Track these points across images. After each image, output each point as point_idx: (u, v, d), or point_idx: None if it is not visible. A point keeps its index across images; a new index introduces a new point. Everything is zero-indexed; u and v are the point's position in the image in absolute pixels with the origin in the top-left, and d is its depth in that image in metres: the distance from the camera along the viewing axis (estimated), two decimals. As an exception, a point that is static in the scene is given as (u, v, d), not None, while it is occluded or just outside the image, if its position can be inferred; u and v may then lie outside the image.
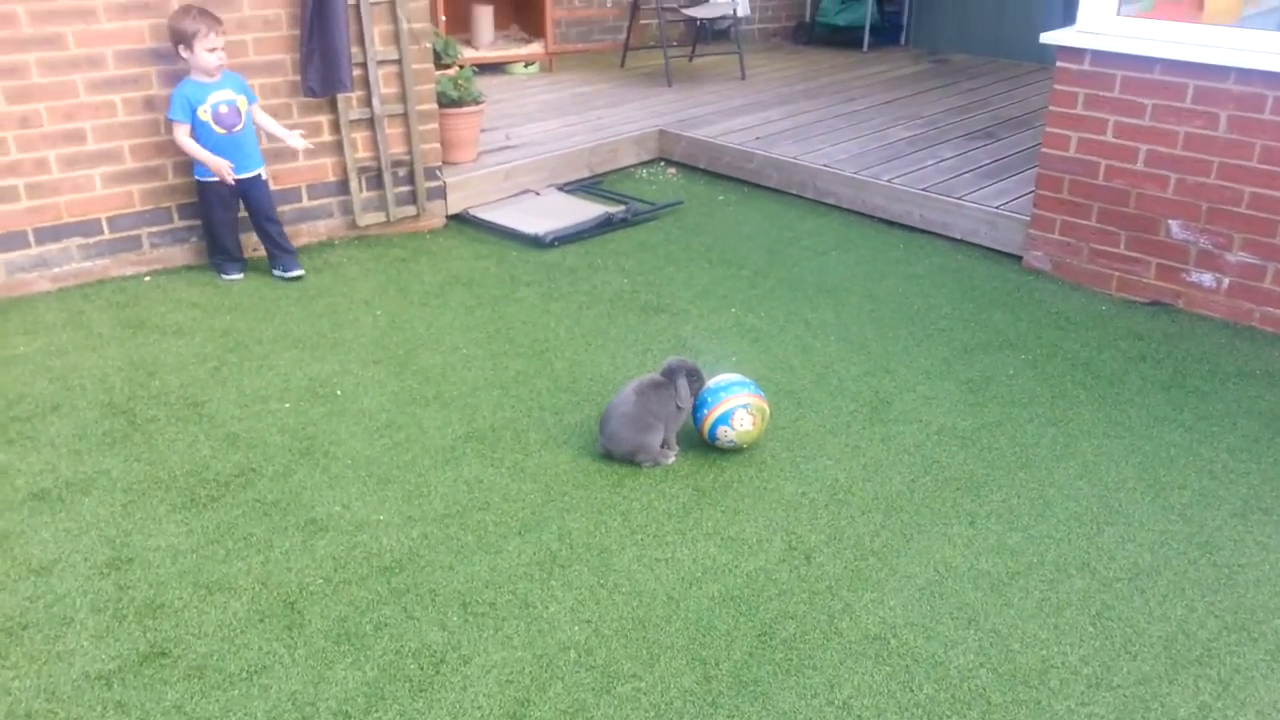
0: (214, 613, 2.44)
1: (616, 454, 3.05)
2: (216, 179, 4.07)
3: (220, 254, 4.29)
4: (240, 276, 4.29)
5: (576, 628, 2.42)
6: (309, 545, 2.67)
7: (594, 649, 2.35)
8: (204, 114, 3.99)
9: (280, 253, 4.32)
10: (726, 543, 2.73)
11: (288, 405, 3.34)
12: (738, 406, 3.04)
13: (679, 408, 3.07)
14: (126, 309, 4.00)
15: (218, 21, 3.95)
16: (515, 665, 2.31)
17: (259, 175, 4.23)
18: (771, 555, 2.69)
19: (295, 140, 4.27)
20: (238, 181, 4.11)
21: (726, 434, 3.06)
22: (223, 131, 4.04)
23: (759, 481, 3.00)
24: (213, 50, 3.90)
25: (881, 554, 2.71)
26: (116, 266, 4.28)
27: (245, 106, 4.10)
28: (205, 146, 4.03)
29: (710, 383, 3.12)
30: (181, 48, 3.91)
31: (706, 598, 2.53)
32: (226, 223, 4.22)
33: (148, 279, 4.28)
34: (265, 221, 4.27)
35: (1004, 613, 2.51)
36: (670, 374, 3.09)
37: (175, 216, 4.35)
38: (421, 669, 2.29)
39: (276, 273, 4.33)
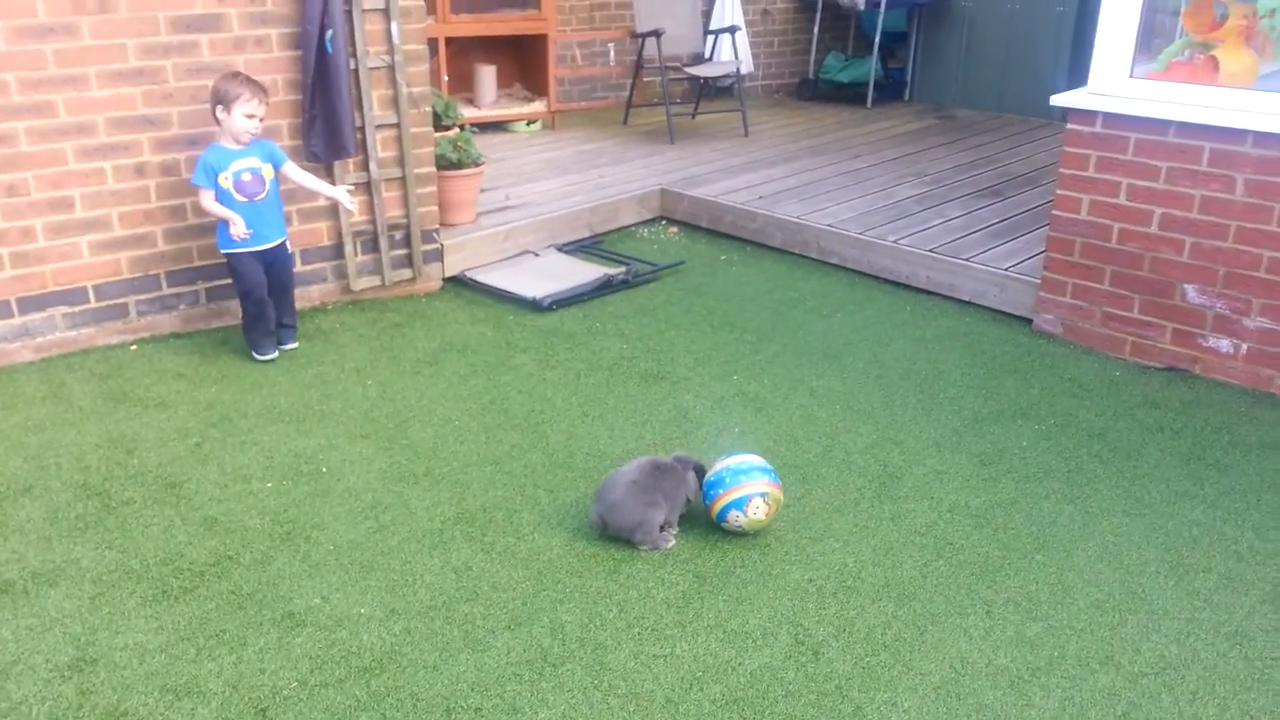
0: (180, 720, 2.29)
1: (613, 526, 2.89)
2: (244, 249, 3.93)
3: (256, 330, 4.07)
4: (275, 355, 4.09)
5: (567, 736, 2.26)
6: (285, 643, 2.52)
7: (585, 761, 2.19)
8: (225, 181, 3.86)
9: (282, 327, 4.18)
10: (729, 636, 2.58)
11: (270, 485, 3.21)
12: (755, 494, 2.90)
13: (688, 499, 2.96)
14: (109, 380, 3.89)
15: (263, 90, 3.87)
16: (500, 779, 2.15)
17: (283, 244, 4.11)
18: (777, 651, 2.53)
19: (342, 196, 4.17)
20: (262, 251, 4.00)
21: (737, 519, 2.92)
22: (243, 199, 3.91)
23: (763, 566, 2.85)
24: (250, 117, 3.82)
25: (894, 648, 2.55)
26: (102, 335, 4.18)
27: (270, 175, 3.97)
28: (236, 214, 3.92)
29: (731, 463, 2.97)
30: (219, 109, 3.82)
31: (708, 700, 2.37)
32: (261, 294, 4.02)
33: (134, 347, 4.17)
34: (280, 292, 4.13)
35: (1025, 714, 2.34)
36: (683, 464, 2.99)
37: (164, 283, 4.26)
38: (400, 784, 2.13)
39: (284, 346, 4.20)
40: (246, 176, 3.90)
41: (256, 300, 4.01)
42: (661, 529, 2.92)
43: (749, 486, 2.90)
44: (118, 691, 2.37)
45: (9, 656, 2.47)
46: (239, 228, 3.86)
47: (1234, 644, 2.57)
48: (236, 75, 3.87)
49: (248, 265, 3.99)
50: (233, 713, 2.30)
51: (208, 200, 3.90)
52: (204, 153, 3.89)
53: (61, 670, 2.43)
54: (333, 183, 4.45)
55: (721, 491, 2.92)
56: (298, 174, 4.10)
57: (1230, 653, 2.54)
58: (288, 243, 4.15)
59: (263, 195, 3.96)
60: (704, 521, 3.03)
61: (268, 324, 4.07)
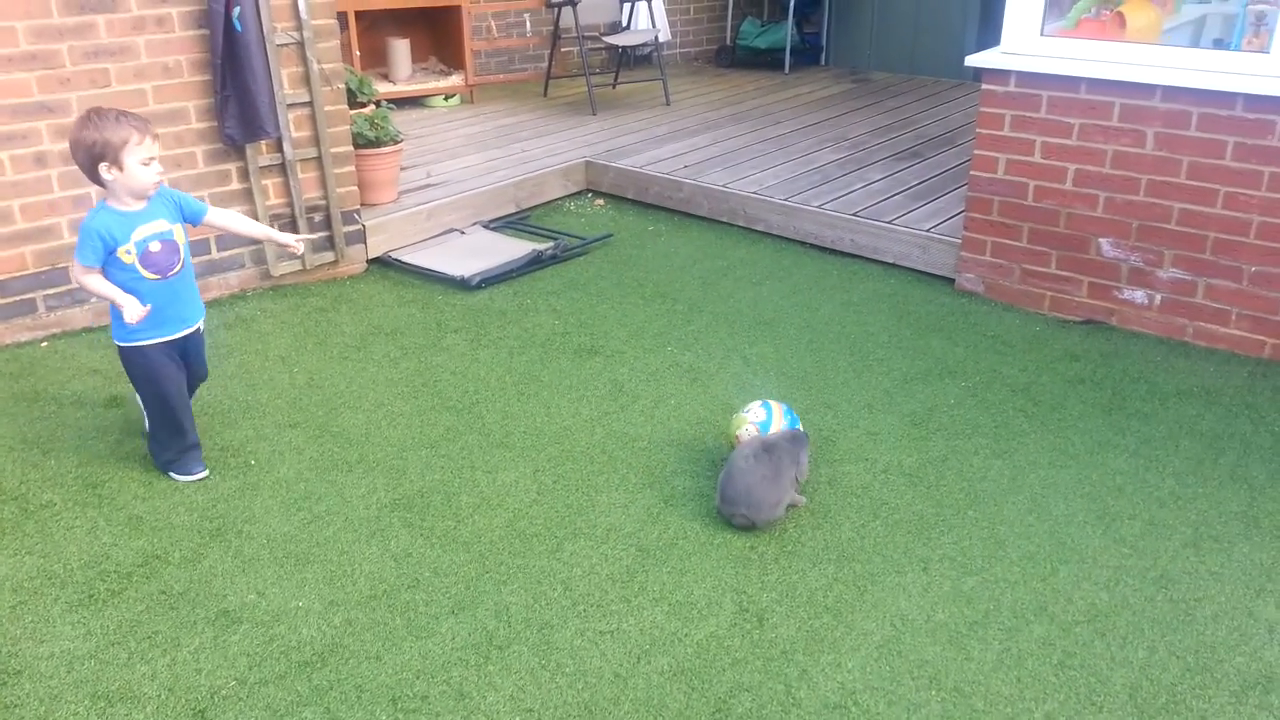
0: (115, 728, 2.22)
1: (762, 521, 2.86)
2: (152, 339, 2.96)
3: (176, 444, 3.10)
4: (207, 473, 3.13)
5: (518, 718, 2.24)
6: (221, 641, 2.46)
7: (536, 741, 2.19)
8: (127, 256, 2.84)
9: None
10: (675, 608, 2.59)
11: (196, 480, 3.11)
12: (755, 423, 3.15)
13: (797, 479, 2.97)
14: (20, 379, 3.73)
15: (147, 121, 2.82)
16: (451, 766, 2.13)
17: (199, 328, 3.13)
18: (723, 620, 2.55)
19: (290, 240, 3.27)
20: (178, 340, 3.03)
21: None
22: (154, 277, 2.90)
23: (705, 536, 2.87)
24: (148, 162, 2.80)
25: (836, 610, 2.59)
26: (10, 333, 4.00)
27: (183, 238, 2.99)
28: (141, 298, 2.87)
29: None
30: (104, 167, 2.76)
31: (656, 673, 2.37)
32: (179, 396, 3.07)
33: (45, 344, 4.00)
34: (196, 384, 3.28)
35: (965, 668, 2.40)
36: (796, 443, 3.00)
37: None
38: (349, 777, 2.10)
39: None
40: (155, 246, 2.89)
41: (175, 405, 3.04)
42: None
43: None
44: (44, 702, 2.28)
45: (-73, 674, 2.37)
46: (132, 310, 2.83)
47: (1160, 588, 2.66)
48: (105, 114, 2.78)
49: (159, 360, 2.99)
50: (169, 716, 2.24)
51: (95, 282, 2.84)
52: (88, 218, 2.82)
53: (-15, 685, 2.34)
54: (246, 168, 4.32)
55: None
56: (225, 219, 3.21)
57: (1156, 597, 2.63)
58: (202, 323, 3.15)
59: (178, 268, 2.96)
60: (645, 496, 3.04)
61: (189, 433, 3.11)
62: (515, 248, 4.97)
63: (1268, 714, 2.26)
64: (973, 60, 4.21)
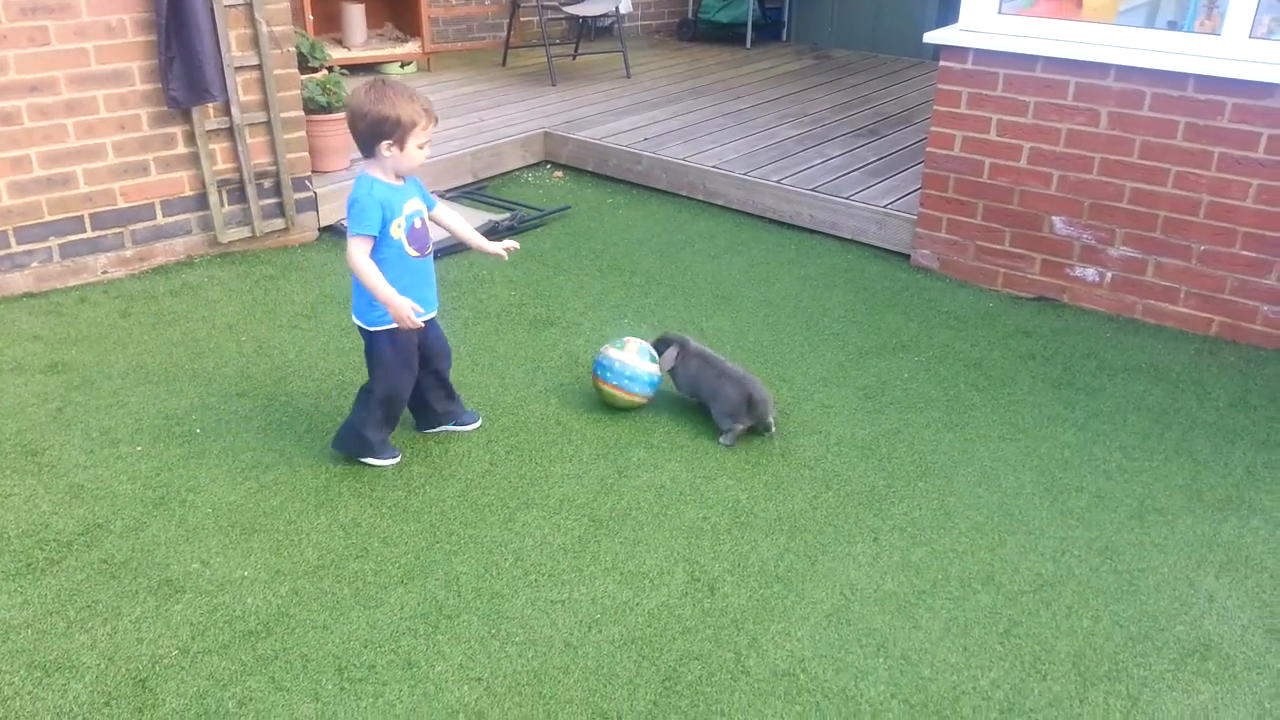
0: (51, 698, 2.16)
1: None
2: (396, 324, 2.80)
3: (383, 432, 3.00)
4: (400, 457, 3.06)
5: (466, 687, 2.23)
6: (163, 611, 2.41)
7: (485, 711, 2.17)
8: (397, 229, 2.75)
9: (455, 404, 3.21)
10: (626, 578, 2.58)
11: (140, 449, 3.04)
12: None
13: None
14: (-44, 345, 3.62)
15: (431, 105, 2.76)
16: (399, 734, 2.11)
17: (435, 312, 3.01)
18: (674, 589, 2.55)
19: (499, 250, 3.09)
20: (423, 324, 2.88)
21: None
22: (416, 254, 2.83)
23: (659, 507, 2.86)
24: (424, 146, 2.74)
25: (786, 579, 2.60)
26: (-55, 297, 3.89)
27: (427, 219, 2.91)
28: (394, 276, 2.75)
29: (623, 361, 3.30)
30: (385, 144, 2.67)
31: (607, 642, 2.37)
32: (407, 387, 2.99)
33: (-18, 310, 3.89)
34: (443, 365, 3.09)
35: (912, 636, 2.42)
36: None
37: (12, 240, 3.97)
38: (293, 746, 2.07)
39: (459, 428, 3.22)
40: (418, 223, 2.83)
41: (405, 394, 2.99)
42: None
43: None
44: (-20, 673, 2.23)
45: None
46: (412, 323, 2.75)
47: (1105, 559, 2.71)
48: (400, 91, 2.68)
49: (408, 346, 2.89)
50: (109, 685, 2.19)
51: (363, 255, 2.71)
52: (363, 189, 2.71)
53: (-84, 655, 2.27)
54: (193, 131, 4.21)
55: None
56: (450, 218, 3.02)
57: (1101, 567, 2.68)
58: None
59: (430, 248, 2.91)
60: (599, 466, 3.02)
61: (393, 423, 3.03)
62: (471, 218, 4.90)
63: (1205, 680, 2.31)
64: (931, 37, 4.21)
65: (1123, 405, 3.45)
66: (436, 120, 2.79)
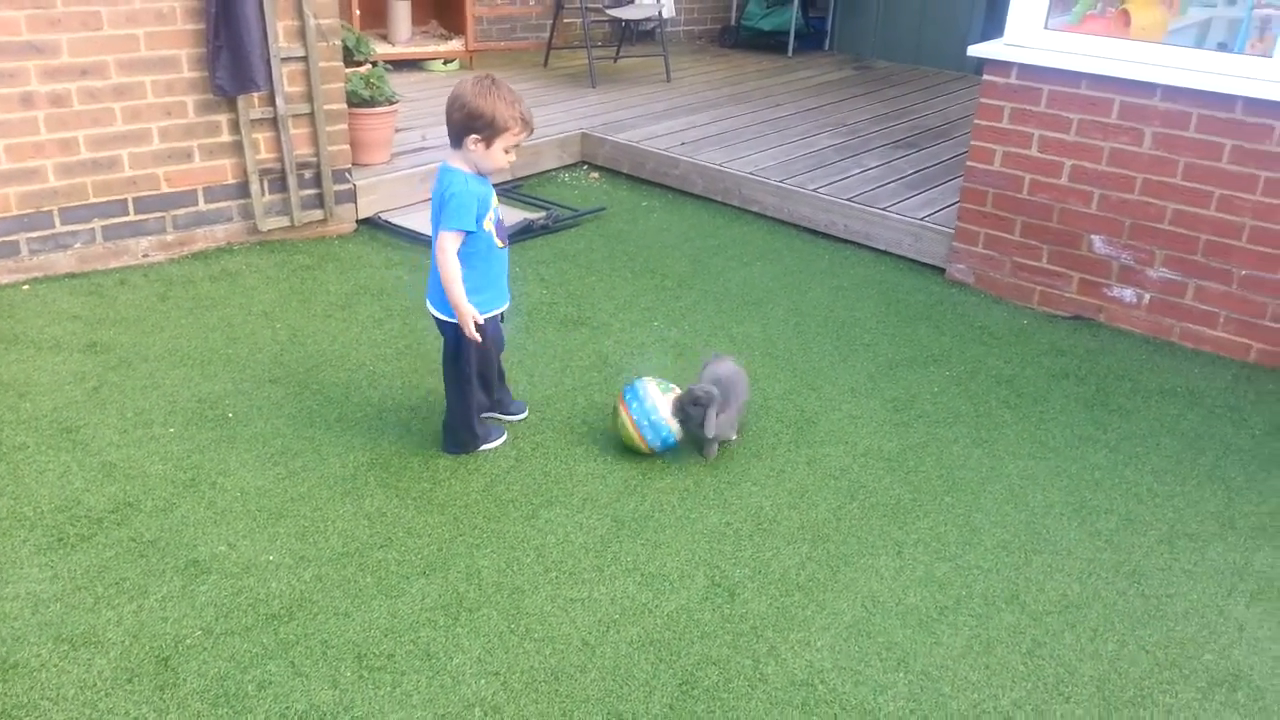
0: (76, 671, 2.19)
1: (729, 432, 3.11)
2: (493, 311, 2.92)
3: (474, 418, 3.04)
4: (506, 437, 3.14)
5: (483, 681, 2.23)
6: (188, 591, 2.44)
7: (502, 706, 2.17)
8: (488, 223, 2.81)
9: (505, 393, 3.27)
10: (646, 580, 2.58)
11: (172, 430, 3.08)
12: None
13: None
14: (0, 321, 3.69)
15: (531, 117, 2.80)
16: (415, 725, 2.12)
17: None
18: (694, 593, 2.54)
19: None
20: (491, 317, 2.94)
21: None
22: (501, 245, 2.90)
23: (681, 510, 2.86)
24: (509, 150, 2.77)
25: (808, 589, 2.58)
26: (-10, 274, 3.96)
27: None
28: (481, 268, 2.82)
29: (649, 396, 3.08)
30: (474, 138, 2.69)
31: (625, 643, 2.37)
32: (495, 361, 3.10)
33: (26, 288, 3.96)
34: (499, 358, 3.18)
35: (934, 652, 2.40)
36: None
37: (57, 221, 4.04)
38: (310, 731, 2.09)
39: (507, 417, 3.26)
40: (499, 215, 2.92)
41: (491, 377, 3.08)
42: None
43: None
44: (7, 643, 2.26)
45: (-112, 609, 2.34)
46: (473, 332, 2.80)
47: (1132, 582, 2.67)
48: (504, 90, 2.71)
49: (494, 332, 2.99)
50: (133, 662, 2.22)
51: (453, 252, 2.74)
52: (457, 183, 2.72)
53: (-53, 622, 2.31)
54: (238, 120, 4.27)
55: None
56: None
57: (1129, 591, 2.64)
58: None
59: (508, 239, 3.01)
60: (623, 467, 3.03)
61: (481, 410, 3.10)
62: (507, 216, 4.92)
63: (1234, 711, 2.27)
64: (975, 50, 4.18)
65: (1156, 428, 3.40)
66: (531, 131, 2.80)
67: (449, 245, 2.74)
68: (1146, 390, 3.64)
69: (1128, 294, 4.06)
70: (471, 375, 2.96)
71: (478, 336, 2.81)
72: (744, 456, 3.12)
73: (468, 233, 2.75)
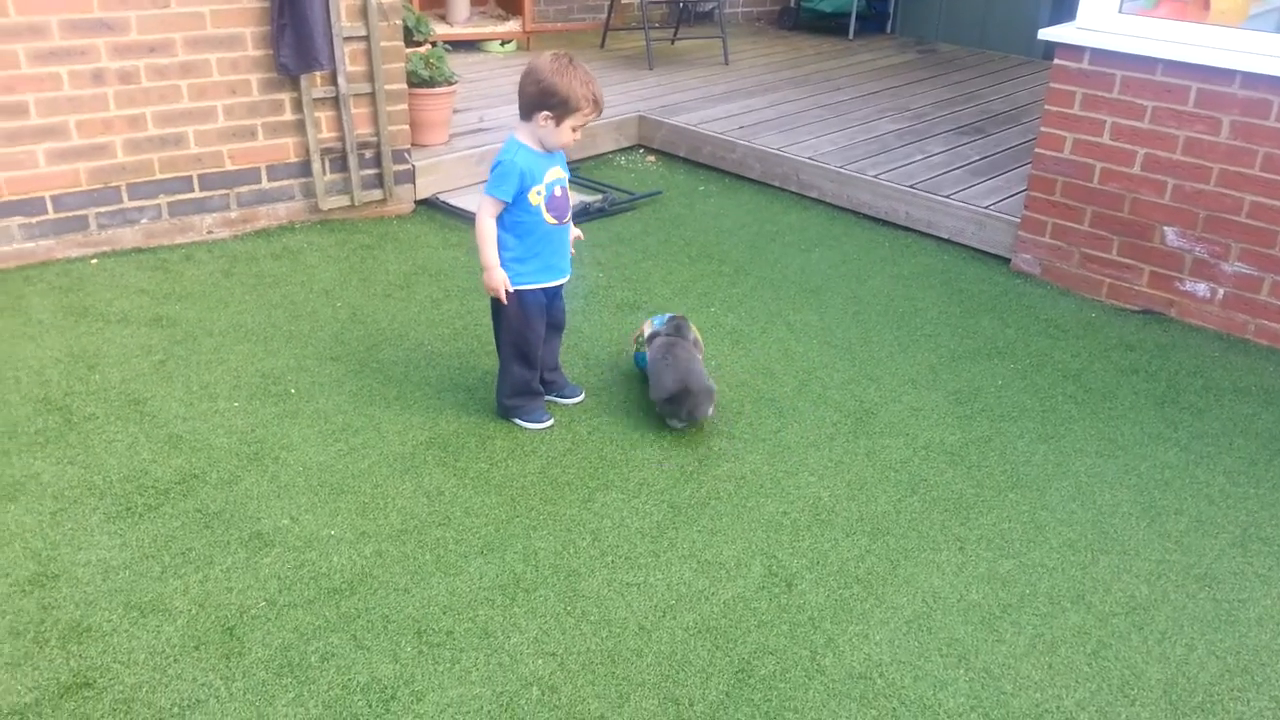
0: (145, 638, 2.24)
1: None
2: (536, 285, 2.97)
3: (524, 393, 3.09)
4: (553, 421, 3.13)
5: (540, 661, 2.24)
6: (252, 562, 2.48)
7: (559, 685, 2.18)
8: (535, 196, 2.86)
9: (560, 375, 3.30)
10: (703, 567, 2.56)
11: (237, 404, 3.13)
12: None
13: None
14: (70, 294, 3.76)
15: (602, 98, 2.83)
16: (472, 703, 2.13)
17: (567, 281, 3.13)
18: (750, 581, 2.52)
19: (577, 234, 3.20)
20: (549, 289, 3.03)
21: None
22: (553, 222, 2.93)
23: (738, 499, 2.84)
24: (577, 129, 2.83)
25: (866, 582, 2.55)
26: (61, 248, 4.04)
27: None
28: (529, 240, 2.90)
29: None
30: (544, 115, 2.76)
31: (681, 629, 2.36)
32: (540, 343, 3.08)
33: (94, 261, 4.03)
34: (557, 335, 3.22)
35: (996, 650, 2.36)
36: (678, 329, 3.23)
37: (125, 196, 4.11)
38: (370, 706, 2.11)
39: (562, 400, 3.26)
40: (558, 191, 2.93)
41: (535, 354, 3.06)
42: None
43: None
44: (80, 607, 2.31)
45: (-34, 572, 2.41)
46: (504, 290, 2.89)
47: (1203, 586, 2.60)
48: (579, 70, 2.76)
49: (534, 307, 2.98)
50: (199, 630, 2.26)
51: (489, 216, 2.85)
52: (509, 153, 2.82)
53: (22, 585, 2.37)
54: (300, 99, 4.30)
55: None
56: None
57: (1199, 594, 2.57)
58: None
59: (569, 216, 3.03)
60: (681, 453, 3.01)
61: (537, 383, 3.13)
62: (564, 198, 4.92)
63: (1306, 720, 2.21)
64: (1046, 34, 4.08)
65: (1229, 428, 3.30)
66: (600, 112, 2.84)
67: (484, 209, 2.87)
68: (1219, 388, 3.54)
69: (1201, 288, 3.95)
70: (508, 344, 3.03)
71: (503, 297, 2.90)
72: (801, 446, 3.09)
73: (509, 203, 2.83)
